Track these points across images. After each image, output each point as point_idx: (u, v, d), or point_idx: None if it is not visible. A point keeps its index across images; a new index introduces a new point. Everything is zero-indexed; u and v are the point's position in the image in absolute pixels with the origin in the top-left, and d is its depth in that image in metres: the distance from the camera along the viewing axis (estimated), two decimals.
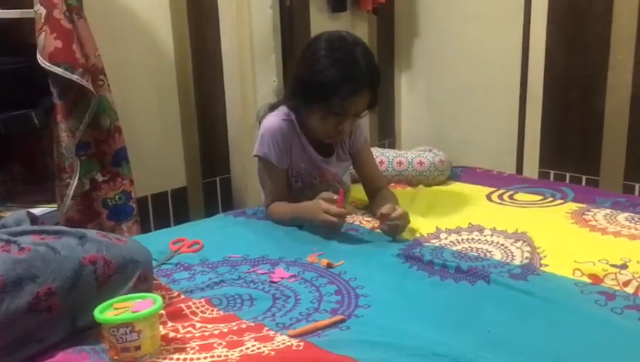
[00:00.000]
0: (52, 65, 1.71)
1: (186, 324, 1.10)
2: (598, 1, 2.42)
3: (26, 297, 0.97)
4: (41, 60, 1.71)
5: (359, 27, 2.97)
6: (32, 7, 1.74)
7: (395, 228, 1.53)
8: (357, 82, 1.55)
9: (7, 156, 2.06)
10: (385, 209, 1.53)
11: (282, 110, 1.70)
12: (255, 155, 1.71)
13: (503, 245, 1.47)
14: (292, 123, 1.68)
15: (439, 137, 3.03)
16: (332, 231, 1.55)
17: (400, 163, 2.09)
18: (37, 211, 1.71)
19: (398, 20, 3.19)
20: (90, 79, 1.81)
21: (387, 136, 3.27)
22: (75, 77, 1.74)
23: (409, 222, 1.57)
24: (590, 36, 2.47)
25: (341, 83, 1.53)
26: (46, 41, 1.71)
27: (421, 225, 1.63)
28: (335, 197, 1.54)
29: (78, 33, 1.79)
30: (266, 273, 1.34)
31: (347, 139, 1.78)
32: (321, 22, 2.78)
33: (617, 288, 1.21)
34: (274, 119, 1.68)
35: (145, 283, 1.14)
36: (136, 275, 1.11)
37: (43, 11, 1.71)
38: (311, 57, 1.60)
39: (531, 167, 2.74)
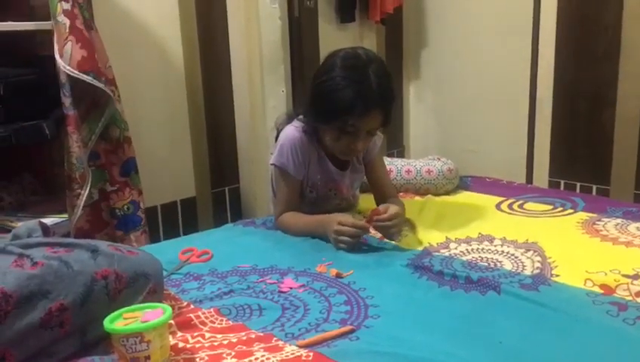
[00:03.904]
0: (81, 74, 1.74)
1: (195, 334, 1.10)
2: (607, 12, 2.42)
3: (38, 313, 0.96)
4: (68, 69, 1.73)
5: (367, 38, 2.98)
6: (45, 20, 1.77)
7: (385, 229, 1.53)
8: (368, 102, 1.53)
9: (17, 167, 2.08)
10: (381, 207, 1.55)
11: (302, 122, 1.70)
12: (272, 164, 1.71)
13: (513, 255, 1.46)
14: (311, 135, 1.69)
15: (448, 147, 3.03)
16: (344, 245, 1.52)
17: (408, 171, 2.08)
18: (47, 221, 1.72)
19: (406, 31, 3.20)
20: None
21: (396, 145, 3.27)
22: (102, 85, 1.78)
23: (403, 225, 1.57)
24: (599, 46, 2.47)
25: (352, 103, 1.52)
26: (73, 50, 1.74)
27: (430, 235, 1.62)
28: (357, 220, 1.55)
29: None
30: (274, 283, 1.33)
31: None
32: (329, 33, 2.79)
33: (629, 298, 1.20)
34: (294, 130, 1.69)
35: (155, 296, 1.14)
36: (147, 289, 1.11)
37: (67, 22, 1.73)
38: (325, 75, 1.58)
39: (541, 177, 2.73)
